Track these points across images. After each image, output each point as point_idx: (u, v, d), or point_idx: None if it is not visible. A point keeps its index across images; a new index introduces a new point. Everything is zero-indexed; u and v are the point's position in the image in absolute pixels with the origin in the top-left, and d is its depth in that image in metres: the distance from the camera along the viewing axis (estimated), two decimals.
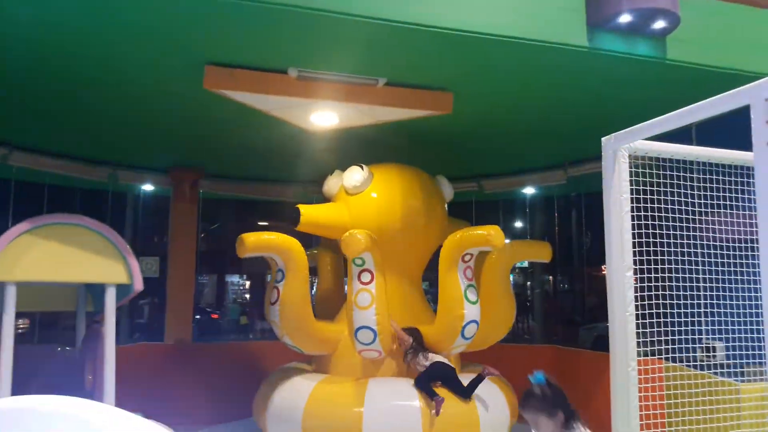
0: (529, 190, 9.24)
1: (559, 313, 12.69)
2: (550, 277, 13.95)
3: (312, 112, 5.69)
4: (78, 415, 0.99)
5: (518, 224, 10.40)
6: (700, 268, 4.08)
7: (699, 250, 4.08)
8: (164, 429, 0.96)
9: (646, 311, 3.73)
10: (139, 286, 4.82)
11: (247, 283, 20.39)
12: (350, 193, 6.29)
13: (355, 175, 6.25)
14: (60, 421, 0.97)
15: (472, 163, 8.36)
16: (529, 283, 14.38)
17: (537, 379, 3.02)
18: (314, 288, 7.51)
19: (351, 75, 5.08)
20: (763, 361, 3.96)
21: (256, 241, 5.65)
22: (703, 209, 3.97)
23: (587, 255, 11.14)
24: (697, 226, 3.86)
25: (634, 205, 3.58)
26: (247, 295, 19.81)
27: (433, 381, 5.69)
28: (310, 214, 6.09)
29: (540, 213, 9.53)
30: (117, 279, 4.70)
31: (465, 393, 5.68)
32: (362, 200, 6.25)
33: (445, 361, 5.88)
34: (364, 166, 6.30)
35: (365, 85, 5.21)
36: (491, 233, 5.57)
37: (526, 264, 11.05)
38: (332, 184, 6.58)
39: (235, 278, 20.44)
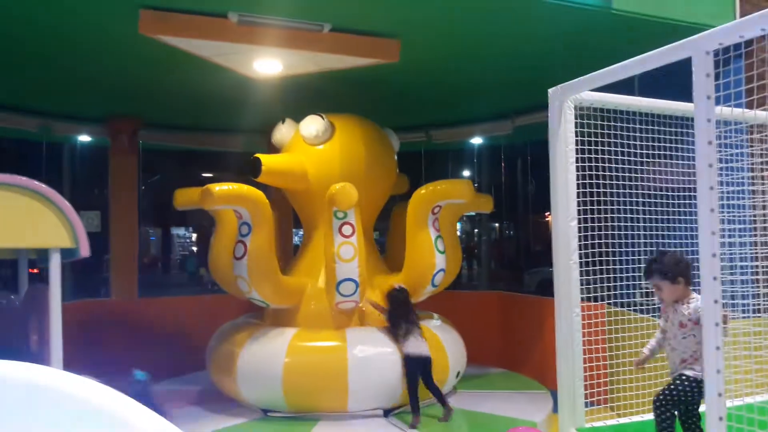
0: (476, 140, 9.30)
1: (504, 259, 12.98)
2: (496, 225, 14.22)
3: (255, 59, 5.50)
4: (32, 381, 0.94)
5: (466, 174, 10.49)
6: (641, 216, 4.20)
7: (639, 199, 4.20)
8: (114, 392, 0.92)
9: (589, 259, 3.84)
10: (85, 252, 4.60)
11: (194, 235, 20.01)
12: (310, 143, 6.17)
13: (315, 125, 6.11)
14: (16, 390, 0.92)
15: (420, 113, 8.32)
16: (475, 230, 14.61)
17: (138, 377, 3.41)
18: None
19: (295, 20, 4.90)
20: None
21: (224, 193, 5.47)
22: (643, 159, 4.07)
23: (532, 203, 11.36)
24: (638, 175, 3.96)
25: (579, 156, 3.63)
26: (194, 248, 19.47)
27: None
28: (271, 163, 5.95)
29: (487, 163, 9.63)
30: (61, 243, 4.48)
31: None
32: (322, 150, 6.17)
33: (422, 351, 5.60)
34: (323, 115, 6.17)
35: (310, 31, 5.05)
36: (464, 186, 5.83)
37: (472, 212, 11.19)
38: (285, 133, 6.41)
39: (180, 231, 20.02)
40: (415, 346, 5.57)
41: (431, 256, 5.96)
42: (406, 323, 5.66)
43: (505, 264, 12.71)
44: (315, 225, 6.40)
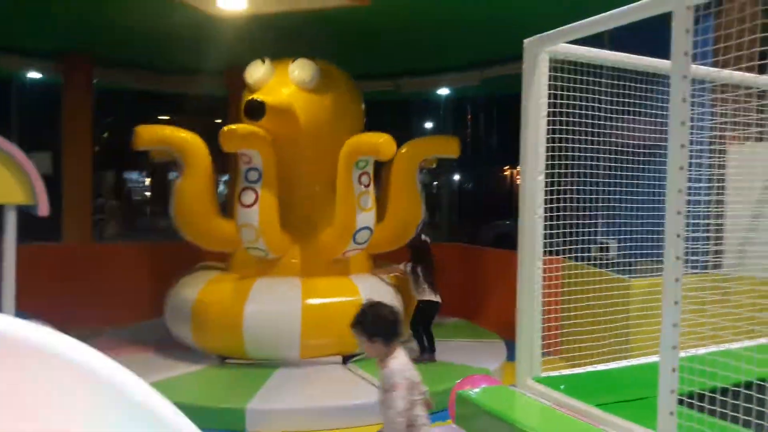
0: (444, 91, 9.20)
1: (464, 212, 13.09)
2: (457, 177, 14.29)
3: None
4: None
5: (432, 125, 10.43)
6: (604, 172, 4.23)
7: (605, 155, 4.22)
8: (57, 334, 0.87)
9: (553, 213, 3.86)
10: (44, 210, 4.38)
11: (147, 180, 19.49)
12: (301, 88, 5.95)
13: (310, 70, 5.92)
14: None
15: (389, 60, 8.15)
16: (435, 183, 14.65)
17: None
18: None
19: None
20: (653, 259, 4.24)
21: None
22: (610, 114, 4.07)
23: (494, 156, 11.41)
24: (605, 131, 3.96)
25: (551, 110, 3.59)
26: (148, 193, 19.02)
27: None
28: (275, 104, 5.67)
29: (454, 114, 9.58)
30: (18, 199, 4.25)
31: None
32: (312, 96, 6.00)
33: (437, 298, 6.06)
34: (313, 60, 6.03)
35: None
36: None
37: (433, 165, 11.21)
38: (265, 73, 6.03)
39: (133, 175, 19.46)
40: (431, 293, 5.99)
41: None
42: (425, 272, 6.00)
43: (465, 217, 12.82)
44: (290, 172, 6.25)
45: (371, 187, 5.85)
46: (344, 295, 5.76)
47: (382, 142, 5.51)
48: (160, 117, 11.56)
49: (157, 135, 5.62)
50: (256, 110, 5.53)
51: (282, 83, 5.99)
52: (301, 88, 5.97)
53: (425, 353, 6.05)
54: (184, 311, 5.78)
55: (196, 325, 5.69)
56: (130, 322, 7.29)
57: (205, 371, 5.66)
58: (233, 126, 5.38)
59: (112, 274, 7.73)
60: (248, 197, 5.52)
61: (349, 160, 5.71)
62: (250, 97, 5.60)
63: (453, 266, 8.53)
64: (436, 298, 6.05)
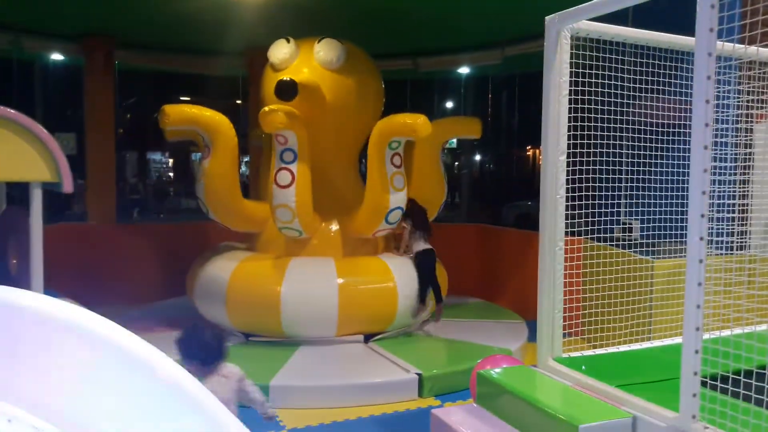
0: (464, 70, 9.12)
1: (485, 193, 13.05)
2: (478, 157, 14.21)
3: None
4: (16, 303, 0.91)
5: (452, 105, 10.36)
6: (627, 151, 4.18)
7: (628, 134, 4.17)
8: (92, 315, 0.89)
9: (575, 194, 3.83)
10: (68, 187, 4.44)
11: (170, 161, 19.65)
12: (326, 68, 5.97)
13: (336, 50, 5.94)
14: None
15: (408, 39, 8.08)
16: (456, 163, 14.59)
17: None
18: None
19: None
20: (676, 240, 4.20)
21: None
22: (633, 92, 4.01)
23: (516, 136, 11.32)
24: (628, 110, 3.91)
25: (572, 88, 3.55)
26: (171, 174, 19.19)
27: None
28: (307, 83, 5.69)
29: (474, 93, 9.49)
30: (43, 177, 4.32)
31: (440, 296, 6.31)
32: (337, 76, 6.01)
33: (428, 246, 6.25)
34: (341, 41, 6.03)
35: None
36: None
37: (454, 144, 11.14)
38: (288, 52, 6.02)
39: (157, 156, 19.64)
40: (423, 244, 6.22)
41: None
42: (422, 230, 6.23)
43: (486, 197, 12.78)
44: (313, 153, 6.25)
45: (402, 168, 5.92)
46: (377, 274, 5.91)
47: (420, 123, 5.53)
48: (181, 98, 11.63)
49: (185, 114, 5.65)
50: (289, 89, 5.54)
51: (307, 63, 5.99)
52: (326, 68, 5.97)
53: (440, 303, 6.34)
54: (217, 291, 5.83)
55: (231, 305, 5.74)
56: (153, 301, 7.41)
57: (230, 349, 5.75)
58: (273, 107, 5.38)
59: (135, 253, 7.86)
60: (284, 178, 5.58)
61: (383, 141, 5.74)
62: (282, 77, 5.62)
63: (474, 247, 8.53)
64: (429, 246, 6.26)
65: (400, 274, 5.97)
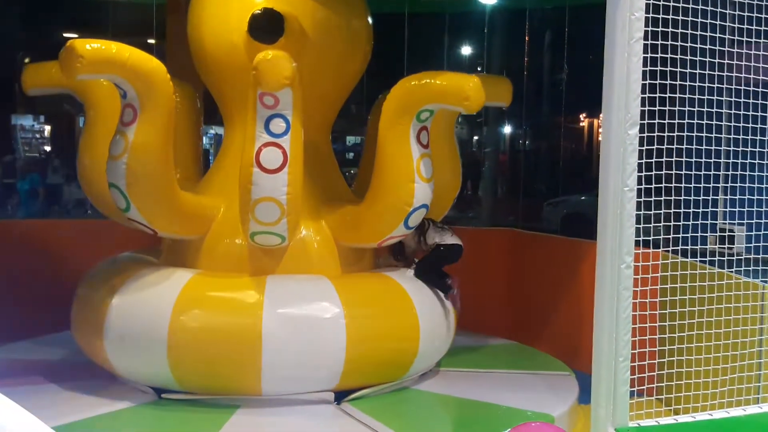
0: (489, 0, 9.14)
1: (517, 183, 13.12)
2: (507, 131, 14.22)
3: None
4: None
5: (470, 53, 10.39)
6: (730, 124, 4.22)
7: (730, 99, 4.20)
8: None
9: (652, 185, 3.86)
10: None
11: (47, 128, 19.62)
12: None
13: None
14: None
15: None
16: (476, 138, 14.62)
17: None
18: None
19: None
20: None
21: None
22: (743, 38, 4.05)
23: (564, 99, 11.38)
24: (735, 63, 3.95)
25: (650, 29, 3.58)
26: (47, 147, 19.18)
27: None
28: (292, 17, 5.73)
29: (503, 35, 9.52)
30: None
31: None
32: (317, 7, 6.08)
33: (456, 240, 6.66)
34: None
35: None
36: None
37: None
38: None
39: (27, 121, 19.59)
40: (451, 237, 6.59)
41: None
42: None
43: (518, 189, 12.84)
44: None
45: (430, 149, 5.92)
46: (393, 301, 6.05)
47: (473, 87, 5.44)
48: (63, 34, 11.59)
49: (106, 55, 5.41)
50: (274, 26, 5.59)
51: None
52: None
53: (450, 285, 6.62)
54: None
55: (176, 352, 5.66)
56: (27, 336, 7.38)
57: (134, 412, 5.73)
58: (275, 52, 5.32)
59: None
60: (272, 158, 5.43)
61: (408, 110, 5.71)
62: (261, 7, 5.67)
63: (501, 262, 8.57)
64: (458, 240, 6.67)
65: (421, 302, 6.04)
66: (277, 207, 5.55)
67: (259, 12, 5.60)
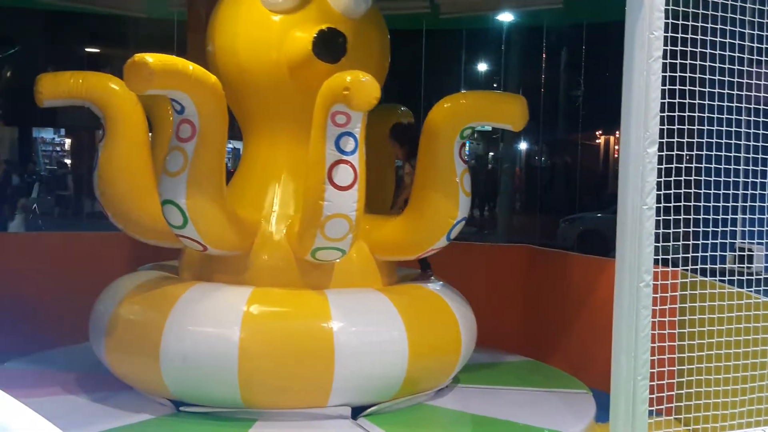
0: (506, 17, 9.15)
1: (532, 200, 13.12)
2: (523, 148, 14.22)
3: None
4: None
5: (486, 68, 10.40)
6: (749, 143, 4.22)
7: (749, 118, 4.20)
8: None
9: (671, 203, 3.86)
10: None
11: (67, 141, 19.79)
12: (348, 16, 6.21)
13: None
14: None
15: None
16: (492, 154, 14.62)
17: None
18: None
19: None
20: None
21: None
22: (761, 56, 4.05)
23: (580, 116, 11.38)
24: (753, 82, 3.95)
25: (668, 48, 3.59)
26: (68, 160, 19.32)
27: None
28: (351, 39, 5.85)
29: (520, 52, 9.53)
30: None
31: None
32: (361, 24, 6.28)
33: None
34: None
35: None
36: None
37: (488, 127, 11.21)
38: None
39: (48, 134, 19.78)
40: None
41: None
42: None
43: (535, 206, 12.84)
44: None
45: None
46: (439, 313, 6.18)
47: (523, 107, 5.81)
48: (87, 49, 11.69)
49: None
50: (339, 45, 5.67)
51: (323, 7, 6.17)
52: (347, 16, 6.20)
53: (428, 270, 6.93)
54: (216, 355, 5.73)
55: (246, 376, 5.65)
56: (40, 349, 7.41)
57: (151, 424, 5.75)
58: (363, 73, 5.37)
59: (20, 276, 7.84)
60: (345, 175, 5.52)
61: (455, 127, 5.92)
62: (323, 27, 5.72)
63: (517, 279, 8.54)
64: None
65: (462, 315, 6.21)
66: (346, 223, 5.60)
67: (325, 30, 5.65)
